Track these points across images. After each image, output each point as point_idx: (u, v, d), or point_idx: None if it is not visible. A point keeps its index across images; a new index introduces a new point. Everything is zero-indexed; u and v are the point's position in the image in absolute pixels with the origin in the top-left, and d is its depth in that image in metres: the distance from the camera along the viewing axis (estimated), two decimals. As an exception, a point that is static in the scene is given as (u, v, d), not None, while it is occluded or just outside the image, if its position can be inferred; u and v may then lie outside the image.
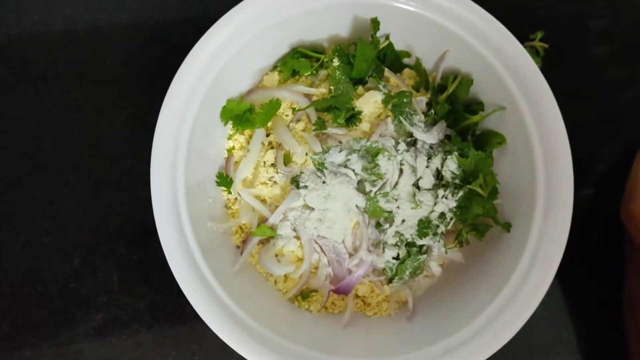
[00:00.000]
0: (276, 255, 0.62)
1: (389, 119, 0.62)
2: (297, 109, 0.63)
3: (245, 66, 0.63)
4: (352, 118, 0.62)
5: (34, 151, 0.71)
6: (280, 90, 0.64)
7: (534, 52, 0.69)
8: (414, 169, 0.61)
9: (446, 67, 0.64)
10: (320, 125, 0.61)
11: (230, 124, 0.64)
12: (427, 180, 0.61)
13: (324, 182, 0.60)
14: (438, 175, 0.62)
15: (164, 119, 0.56)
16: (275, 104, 0.62)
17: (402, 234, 0.61)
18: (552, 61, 0.68)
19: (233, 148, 0.65)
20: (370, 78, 0.63)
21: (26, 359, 0.67)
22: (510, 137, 0.61)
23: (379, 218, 0.61)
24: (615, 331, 0.67)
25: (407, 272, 0.61)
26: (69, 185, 0.70)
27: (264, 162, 0.63)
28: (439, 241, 0.61)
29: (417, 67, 0.66)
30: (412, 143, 0.62)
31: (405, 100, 0.61)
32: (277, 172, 0.62)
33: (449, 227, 0.62)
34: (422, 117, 0.63)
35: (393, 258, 0.61)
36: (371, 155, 0.59)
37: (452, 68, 0.64)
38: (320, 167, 0.60)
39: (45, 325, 0.67)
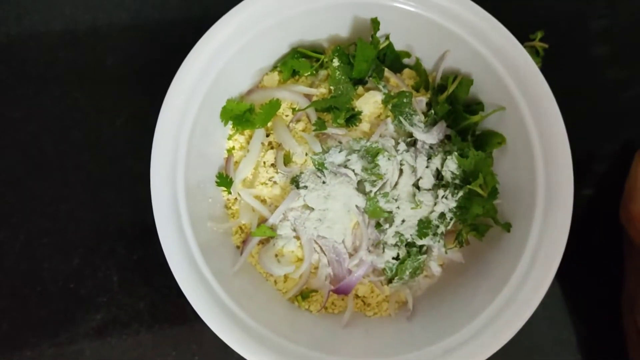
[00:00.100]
0: (276, 256, 0.62)
1: (389, 119, 0.62)
2: (297, 109, 0.63)
3: (245, 66, 0.63)
4: (352, 118, 0.62)
5: (34, 151, 0.71)
6: (280, 91, 0.64)
7: (533, 52, 0.69)
8: (413, 169, 0.61)
9: (446, 67, 0.64)
10: (320, 125, 0.61)
11: (230, 124, 0.64)
12: (427, 181, 0.61)
13: (323, 182, 0.60)
14: (438, 175, 0.62)
15: (164, 119, 0.56)
16: (275, 104, 0.62)
17: (402, 234, 0.61)
18: (552, 61, 0.68)
19: (233, 148, 0.65)
20: (370, 78, 0.63)
21: (26, 359, 0.67)
22: (510, 137, 0.61)
23: (379, 218, 0.61)
24: (615, 331, 0.67)
25: (407, 272, 0.61)
26: (68, 185, 0.70)
27: (264, 162, 0.63)
28: (438, 241, 0.61)
29: (417, 67, 0.66)
30: (412, 143, 0.62)
31: (405, 100, 0.61)
32: (277, 172, 0.62)
33: (449, 227, 0.62)
34: (422, 117, 0.63)
35: (393, 258, 0.61)
36: (371, 156, 0.59)
37: (452, 68, 0.64)
38: (320, 167, 0.60)
39: (45, 325, 0.67)
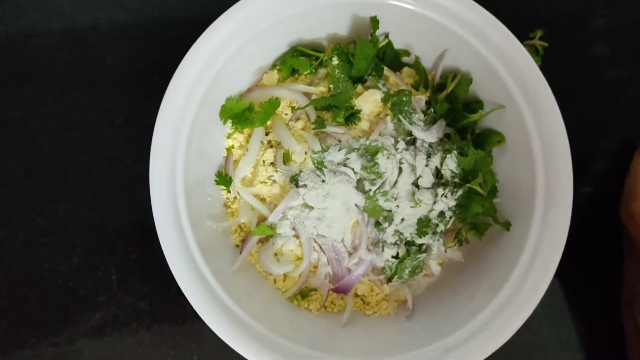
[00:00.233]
0: (275, 254, 0.62)
1: (388, 118, 0.62)
2: (296, 107, 0.63)
3: (244, 65, 0.63)
4: (352, 117, 0.62)
5: (33, 151, 0.71)
6: (279, 89, 0.64)
7: (533, 50, 0.69)
8: (413, 168, 0.61)
9: (445, 65, 0.64)
10: (320, 124, 0.61)
11: (229, 123, 0.64)
12: (427, 179, 0.61)
13: (323, 181, 0.60)
14: (437, 174, 0.62)
15: (163, 118, 0.56)
16: (274, 103, 0.62)
17: (401, 233, 0.61)
18: (552, 60, 0.68)
19: (232, 147, 0.65)
20: (370, 77, 0.63)
21: (25, 358, 0.67)
22: (510, 136, 0.61)
23: (379, 217, 0.61)
24: (614, 329, 0.67)
25: (407, 271, 0.61)
26: (68, 185, 0.70)
27: (263, 161, 0.63)
28: (438, 240, 0.61)
29: (417, 65, 0.66)
30: (412, 142, 0.62)
31: (404, 98, 0.61)
32: (276, 171, 0.62)
33: (448, 226, 0.62)
34: (422, 116, 0.63)
35: (392, 257, 0.61)
36: (370, 154, 0.59)
37: (451, 67, 0.64)
38: (320, 165, 0.60)
39: (44, 324, 0.67)
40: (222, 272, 0.57)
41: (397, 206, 0.60)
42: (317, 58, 0.64)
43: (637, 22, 0.77)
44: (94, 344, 0.67)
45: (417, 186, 0.61)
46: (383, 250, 0.61)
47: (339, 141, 0.61)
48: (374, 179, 0.60)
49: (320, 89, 0.63)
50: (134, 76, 0.73)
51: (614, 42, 0.77)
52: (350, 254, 0.61)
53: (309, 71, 0.64)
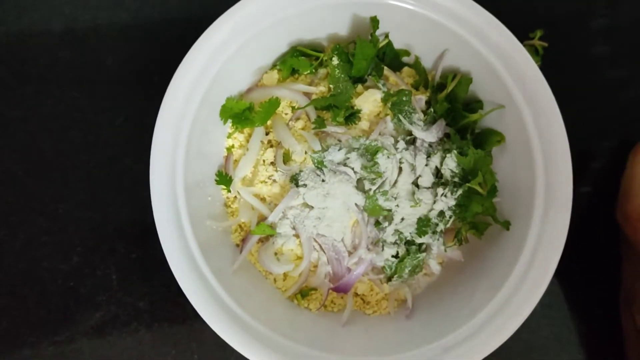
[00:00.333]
0: (275, 254, 0.62)
1: (388, 118, 0.62)
2: (296, 107, 0.64)
3: (244, 65, 0.63)
4: (352, 116, 0.62)
5: (33, 150, 0.71)
6: (279, 89, 0.64)
7: (533, 50, 0.69)
8: (413, 167, 0.61)
9: (445, 65, 0.64)
10: (320, 123, 0.61)
11: (229, 123, 0.64)
12: (427, 179, 0.61)
13: (323, 181, 0.60)
14: (437, 173, 0.62)
15: (164, 117, 0.56)
16: (274, 103, 0.62)
17: (401, 232, 0.61)
18: (552, 60, 0.68)
19: (232, 146, 0.65)
20: (370, 76, 0.63)
21: (25, 358, 0.67)
22: (510, 136, 0.61)
23: (378, 216, 0.61)
24: (614, 329, 0.67)
25: (407, 271, 0.61)
26: (68, 185, 0.70)
27: (264, 161, 0.63)
28: (438, 239, 0.61)
29: (417, 65, 0.66)
30: (412, 141, 0.63)
31: (404, 98, 0.61)
32: (276, 171, 0.62)
33: (448, 226, 0.62)
34: (422, 116, 0.63)
35: (392, 256, 0.61)
36: (370, 154, 0.59)
37: (451, 66, 0.64)
38: (320, 165, 0.60)
39: (44, 324, 0.67)
40: (222, 272, 0.57)
41: (397, 205, 0.60)
42: (317, 58, 0.64)
43: (637, 22, 0.77)
44: (94, 344, 0.67)
45: (417, 186, 0.61)
46: (383, 249, 0.61)
47: (339, 141, 0.62)
48: (374, 179, 0.60)
49: (320, 89, 0.63)
50: (134, 76, 0.73)
51: (614, 42, 0.77)
52: (350, 253, 0.62)
53: (309, 71, 0.64)
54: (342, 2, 0.59)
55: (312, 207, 0.60)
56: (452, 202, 0.60)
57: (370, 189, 0.60)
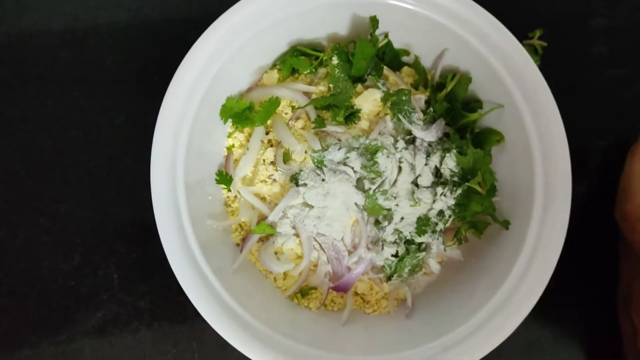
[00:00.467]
0: (275, 253, 0.62)
1: (388, 117, 0.62)
2: (296, 107, 0.64)
3: (244, 64, 0.63)
4: (351, 116, 0.62)
5: (34, 150, 0.71)
6: (279, 89, 0.64)
7: (532, 50, 0.69)
8: (412, 167, 0.61)
9: (445, 65, 0.64)
10: (320, 123, 0.61)
11: (229, 122, 0.64)
12: (426, 178, 0.61)
13: (323, 180, 0.60)
14: (437, 173, 0.62)
15: (164, 117, 0.56)
16: (274, 102, 0.62)
17: (401, 232, 0.61)
18: (552, 60, 0.68)
19: (233, 146, 0.65)
20: (369, 76, 0.63)
21: (26, 357, 0.67)
22: (509, 135, 0.61)
23: (378, 216, 0.61)
24: (612, 329, 0.67)
25: (406, 270, 0.61)
26: (68, 184, 0.70)
27: (264, 160, 0.63)
28: (437, 239, 0.61)
29: (416, 65, 0.67)
30: (411, 141, 0.63)
31: (404, 98, 0.61)
32: (276, 170, 0.62)
33: (447, 225, 0.62)
34: (421, 115, 0.63)
35: (392, 255, 0.61)
36: (370, 153, 0.60)
37: (450, 66, 0.64)
38: (320, 164, 0.60)
39: (45, 323, 0.67)
40: (222, 271, 0.57)
41: (397, 205, 0.61)
42: (317, 58, 0.65)
43: (637, 22, 0.77)
44: (95, 343, 0.67)
45: (417, 185, 0.62)
46: (383, 248, 0.61)
47: (339, 140, 0.62)
48: (373, 178, 0.60)
49: (320, 89, 0.64)
50: (134, 76, 0.73)
51: (614, 41, 0.77)
52: (350, 252, 0.62)
53: (308, 71, 0.65)
54: (342, 2, 0.60)
55: (312, 207, 0.60)
56: (452, 202, 0.60)
57: (370, 189, 0.60)
